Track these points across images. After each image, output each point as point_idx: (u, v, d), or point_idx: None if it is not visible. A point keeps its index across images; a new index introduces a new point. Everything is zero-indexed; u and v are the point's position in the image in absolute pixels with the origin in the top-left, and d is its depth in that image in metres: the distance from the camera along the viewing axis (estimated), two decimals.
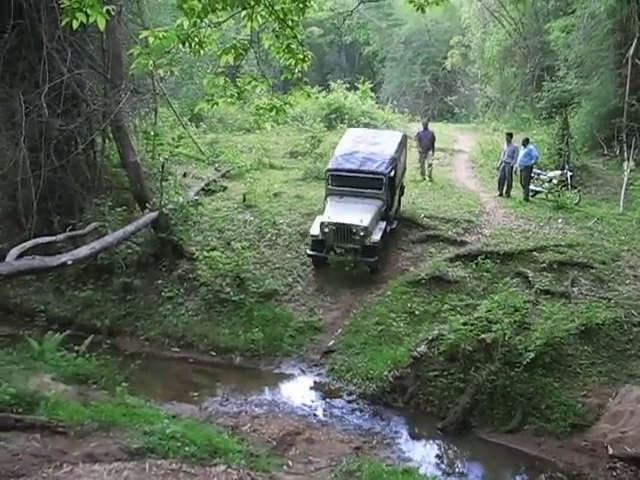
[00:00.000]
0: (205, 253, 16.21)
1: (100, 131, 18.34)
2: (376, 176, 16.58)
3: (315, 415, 11.86)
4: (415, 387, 12.35)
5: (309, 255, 16.43)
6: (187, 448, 8.13)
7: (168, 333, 14.87)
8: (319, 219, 16.29)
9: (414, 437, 11.76)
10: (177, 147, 18.91)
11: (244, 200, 19.38)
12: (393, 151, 17.50)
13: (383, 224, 16.31)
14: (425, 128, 22.67)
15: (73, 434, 8.15)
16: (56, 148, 16.93)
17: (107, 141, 19.04)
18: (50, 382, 10.27)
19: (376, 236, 15.78)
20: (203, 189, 20.08)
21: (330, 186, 16.99)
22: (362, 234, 15.50)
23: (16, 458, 7.12)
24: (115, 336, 14.84)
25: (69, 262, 11.82)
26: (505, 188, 20.78)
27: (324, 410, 12.13)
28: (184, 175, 21.00)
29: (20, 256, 11.04)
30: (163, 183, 17.07)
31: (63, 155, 17.12)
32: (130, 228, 15.07)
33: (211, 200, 19.55)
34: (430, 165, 22.49)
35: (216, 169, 22.62)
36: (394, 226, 17.42)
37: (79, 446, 7.87)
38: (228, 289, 15.39)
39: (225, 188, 20.77)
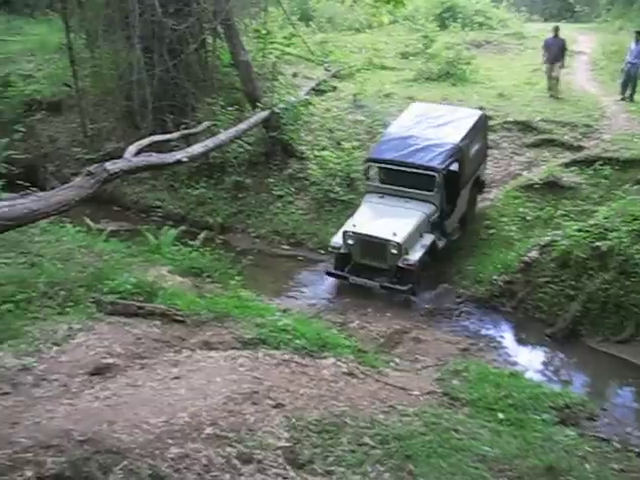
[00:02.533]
0: (315, 152, 16.25)
1: (211, 30, 18.37)
2: (427, 172, 12.36)
3: (422, 315, 11.93)
4: (524, 292, 12.15)
5: (329, 274, 12.61)
6: (297, 341, 8.35)
7: (278, 231, 15.19)
8: (345, 226, 12.54)
9: (521, 342, 11.67)
10: (288, 46, 18.72)
11: (354, 100, 19.12)
12: (459, 138, 13.03)
13: (429, 238, 12.27)
14: (555, 35, 19.89)
15: (190, 323, 8.52)
16: (169, 48, 17.12)
17: (218, 40, 19.10)
18: (167, 274, 10.72)
19: (413, 256, 11.79)
20: (313, 89, 19.88)
21: (369, 181, 13.37)
22: (394, 252, 11.68)
23: (139, 342, 7.53)
24: (227, 233, 15.31)
25: (184, 159, 12.06)
26: (629, 91, 19.35)
27: (431, 310, 12.17)
28: (294, 75, 20.83)
29: (137, 153, 11.34)
30: (274, 82, 17.00)
31: (175, 55, 17.28)
32: (242, 127, 15.20)
33: (321, 100, 19.38)
34: (556, 78, 19.77)
35: (326, 69, 22.30)
36: (453, 238, 13.30)
37: (196, 334, 8.23)
38: (338, 188, 15.45)
39: (335, 88, 20.51)
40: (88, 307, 8.23)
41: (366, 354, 9.03)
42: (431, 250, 12.26)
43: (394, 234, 11.66)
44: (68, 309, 8.36)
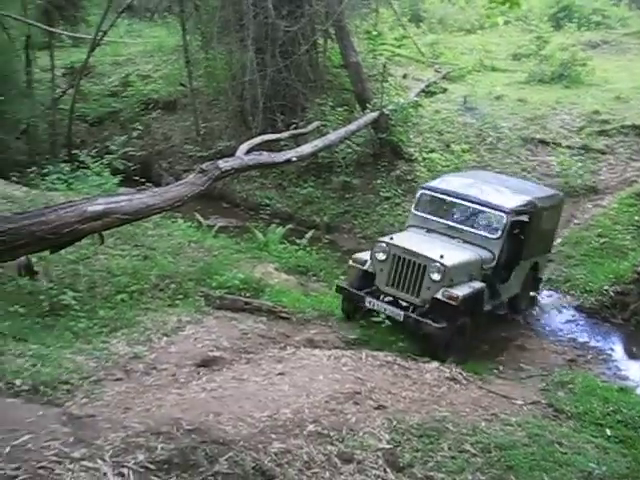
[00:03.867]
0: (424, 155, 16.12)
1: (322, 32, 18.55)
2: (494, 211, 9.93)
3: (528, 323, 11.61)
4: (638, 304, 11.62)
5: (339, 290, 9.64)
6: (401, 343, 8.32)
7: (384, 232, 15.14)
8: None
9: (632, 356, 11.13)
10: (398, 47, 18.65)
11: (465, 102, 18.85)
12: (539, 196, 10.90)
13: (479, 285, 9.43)
14: None
15: (295, 320, 8.65)
16: (281, 49, 17.38)
17: (329, 41, 19.26)
18: (273, 271, 10.91)
19: (458, 290, 8.85)
20: (423, 90, 19.72)
21: (416, 210, 10.51)
22: (435, 278, 8.84)
23: (246, 337, 7.71)
24: (333, 232, 15.38)
25: (293, 159, 12.24)
26: None
27: (537, 319, 11.83)
28: (404, 76, 20.73)
29: (248, 152, 11.58)
30: (384, 84, 16.98)
31: (287, 56, 17.53)
32: (351, 127, 15.24)
33: (431, 102, 19.20)
34: None
35: (436, 70, 22.10)
36: (497, 303, 10.25)
37: (300, 332, 8.34)
38: None
39: (445, 90, 20.28)
40: (197, 301, 8.47)
41: (469, 360, 8.90)
42: (477, 301, 9.40)
43: (441, 256, 8.88)
44: (178, 302, 8.65)
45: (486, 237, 9.85)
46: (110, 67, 22.47)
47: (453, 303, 8.64)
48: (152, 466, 3.63)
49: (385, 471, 5.21)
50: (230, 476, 4.02)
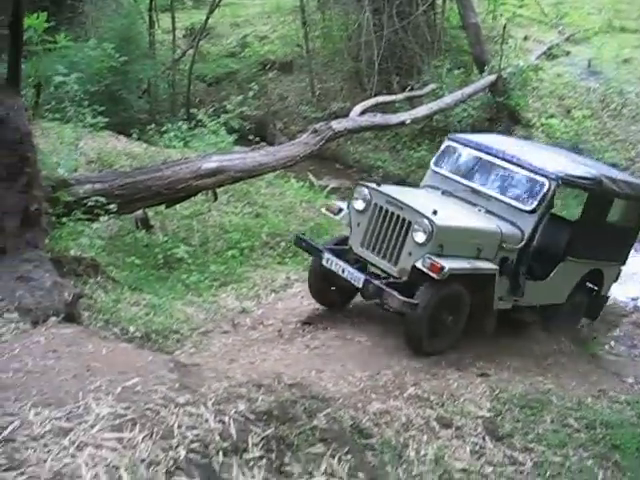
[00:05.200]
0: (542, 120, 15.60)
1: None
2: (535, 175, 7.23)
3: None
4: None
5: (297, 241, 7.51)
6: None
7: None
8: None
9: None
10: (519, 8, 17.96)
11: (589, 66, 18.01)
12: (612, 176, 8.06)
13: (486, 266, 6.79)
14: None
15: None
16: (398, 10, 17.14)
17: (447, 2, 18.80)
18: None
19: (447, 262, 6.27)
20: (544, 53, 18.96)
21: (436, 166, 8.05)
22: (419, 241, 6.42)
23: None
24: None
25: (407, 121, 12.14)
26: None
27: None
28: (525, 38, 19.97)
29: (362, 113, 11.56)
30: (503, 46, 16.44)
31: (404, 17, 17.28)
32: (468, 90, 14.91)
33: (552, 65, 18.45)
34: None
35: (559, 32, 21.15)
36: (521, 303, 7.41)
37: None
38: None
39: (568, 53, 19.41)
40: (305, 259, 8.58)
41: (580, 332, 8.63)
42: (481, 288, 6.77)
43: (434, 212, 6.48)
44: (287, 260, 8.80)
45: (516, 208, 7.15)
46: (229, 28, 22.80)
47: (434, 275, 6.14)
48: (252, 416, 3.74)
49: (484, 439, 5.17)
50: (327, 432, 4.08)
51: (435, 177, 7.91)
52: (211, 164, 7.92)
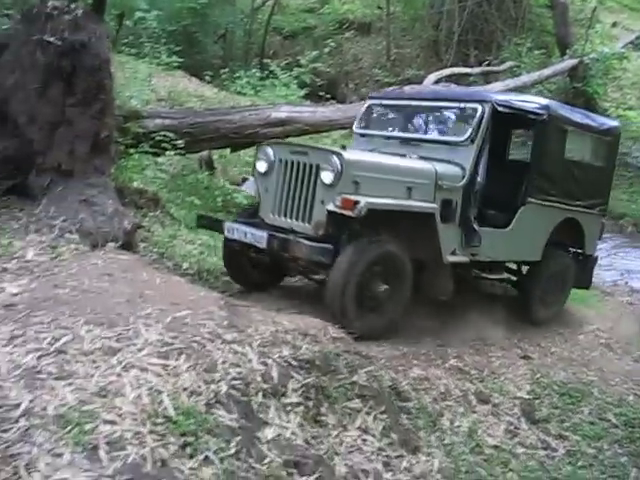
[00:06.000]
0: (620, 111, 15.14)
1: None
2: (468, 104, 6.40)
3: None
4: None
5: (198, 220, 6.53)
6: None
7: None
8: None
9: None
10: None
11: None
12: (568, 109, 7.43)
13: (423, 205, 5.76)
14: None
15: None
16: None
17: None
18: None
19: (373, 199, 5.32)
20: (632, 42, 18.35)
21: (358, 128, 7.17)
22: (327, 180, 5.44)
23: None
24: None
25: None
26: None
27: None
28: (613, 24, 19.38)
29: (436, 82, 11.40)
30: (589, 30, 15.96)
31: None
32: (547, 72, 14.57)
33: (638, 56, 17.85)
34: None
35: None
36: (480, 255, 6.33)
37: None
38: (637, 154, 14.33)
39: None
40: None
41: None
42: (419, 234, 5.77)
43: (342, 147, 6.33)
44: None
45: (450, 143, 6.29)
46: None
47: (348, 213, 5.16)
48: (294, 363, 3.78)
49: (519, 420, 5.15)
50: (366, 389, 4.11)
51: (359, 140, 7.02)
52: (280, 114, 7.93)
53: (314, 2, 21.33)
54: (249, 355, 3.61)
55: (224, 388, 3.32)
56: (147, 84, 9.57)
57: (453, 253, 6.00)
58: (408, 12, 19.31)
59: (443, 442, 4.47)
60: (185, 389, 3.19)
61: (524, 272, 7.27)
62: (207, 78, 12.65)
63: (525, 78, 13.97)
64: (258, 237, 5.50)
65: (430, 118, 6.85)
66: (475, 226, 6.12)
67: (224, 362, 3.47)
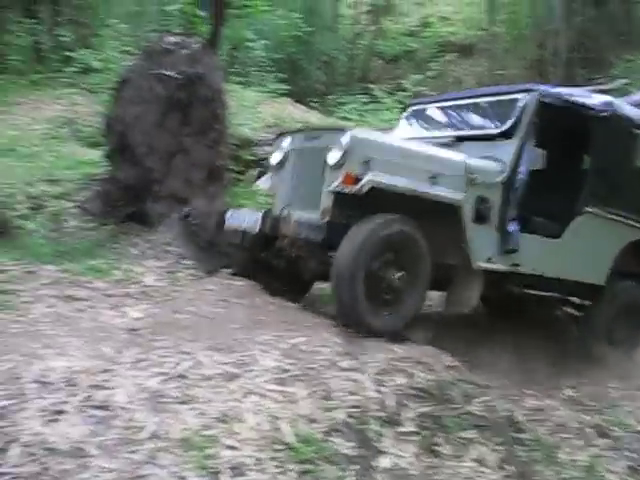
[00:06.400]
0: None
1: None
2: (511, 95, 5.69)
3: None
4: None
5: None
6: None
7: None
8: None
9: None
10: None
11: None
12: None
13: (446, 191, 4.87)
14: None
15: None
16: None
17: None
18: None
19: (382, 177, 4.58)
20: None
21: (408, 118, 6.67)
22: (333, 160, 4.70)
23: None
24: None
25: None
26: None
27: None
28: None
29: None
30: None
31: (599, 4, 16.43)
32: None
33: None
34: None
35: None
36: (516, 262, 5.36)
37: None
38: None
39: None
40: None
41: None
42: (439, 224, 4.91)
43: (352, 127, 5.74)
44: None
45: (489, 137, 5.56)
46: (411, 7, 22.65)
47: (348, 189, 4.54)
48: (410, 391, 3.76)
49: None
50: (482, 419, 4.03)
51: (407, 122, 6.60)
52: None
53: (415, 26, 21.34)
54: (365, 383, 3.62)
55: (341, 416, 3.34)
56: (255, 112, 9.80)
57: (489, 260, 5.17)
58: (511, 32, 19.03)
59: (561, 477, 4.31)
60: (303, 416, 3.23)
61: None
62: (312, 104, 12.86)
63: (637, 97, 13.47)
64: (253, 221, 5.03)
65: (470, 116, 6.14)
66: (512, 229, 5.26)
67: (340, 390, 3.49)
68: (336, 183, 4.57)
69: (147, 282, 4.87)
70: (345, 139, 4.64)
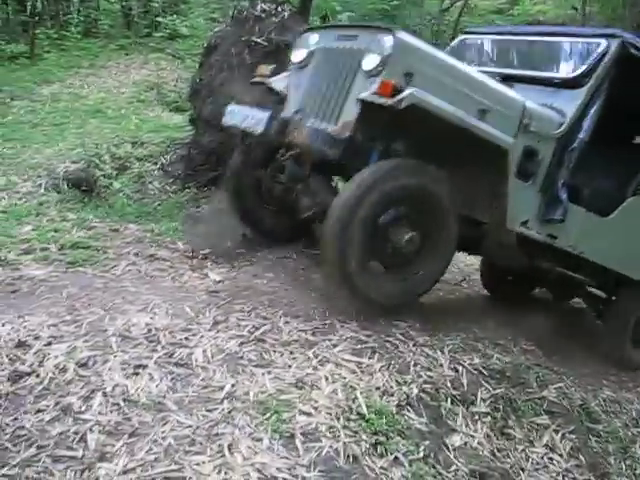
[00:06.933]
0: None
1: None
2: (586, 39, 4.71)
3: None
4: None
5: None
6: None
7: None
8: None
9: None
10: None
11: None
12: None
13: (495, 130, 4.02)
14: None
15: None
16: None
17: None
18: None
19: (427, 95, 3.73)
20: None
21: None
22: (369, 66, 3.92)
23: None
24: None
25: None
26: None
27: None
28: None
29: None
30: None
31: None
32: None
33: None
34: None
35: None
36: (554, 233, 4.53)
37: None
38: None
39: None
40: None
41: None
42: (474, 171, 4.22)
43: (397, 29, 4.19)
44: None
45: (554, 81, 4.71)
46: None
47: (384, 101, 3.69)
48: (485, 372, 3.73)
49: None
50: (555, 405, 3.98)
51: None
52: None
53: (504, 3, 20.80)
54: (440, 360, 3.61)
55: (415, 391, 3.34)
56: None
57: (525, 224, 4.37)
58: (605, 12, 18.36)
59: (635, 471, 4.22)
60: (378, 388, 3.24)
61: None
62: None
63: None
64: (258, 119, 4.16)
65: (534, 55, 5.13)
66: (562, 195, 4.41)
67: (416, 365, 3.49)
68: (370, 92, 3.75)
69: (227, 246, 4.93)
70: (388, 41, 3.80)
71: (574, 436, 3.95)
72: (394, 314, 3.86)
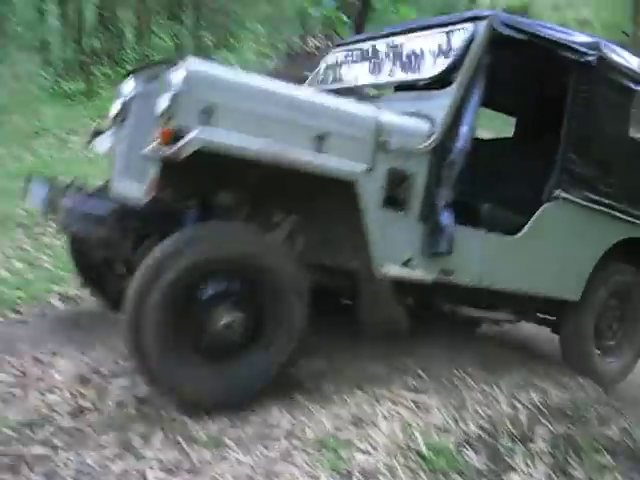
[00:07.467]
0: None
1: None
2: (452, 27, 3.82)
3: None
4: None
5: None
6: None
7: None
8: None
9: None
10: None
11: None
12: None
13: (333, 161, 3.20)
14: None
15: None
16: None
17: None
18: None
19: (225, 135, 2.95)
20: None
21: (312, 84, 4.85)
22: (163, 106, 3.00)
23: None
24: None
25: None
26: None
27: None
28: None
29: None
30: None
31: None
32: None
33: None
34: None
35: None
36: (447, 268, 3.64)
37: None
38: None
39: None
40: None
41: None
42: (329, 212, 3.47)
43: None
44: None
45: (417, 83, 4.03)
46: (548, 10, 22.01)
47: (163, 152, 2.91)
48: (544, 409, 3.67)
49: None
50: (618, 444, 3.87)
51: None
52: None
53: None
54: (498, 397, 3.57)
55: (473, 429, 3.30)
56: None
57: (406, 264, 3.52)
58: None
59: None
60: (436, 426, 3.22)
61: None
62: None
63: None
64: (39, 198, 3.64)
65: (402, 57, 4.16)
66: (444, 220, 3.55)
67: (473, 402, 3.46)
68: (153, 144, 2.97)
69: None
70: (178, 76, 3.02)
71: (637, 476, 3.85)
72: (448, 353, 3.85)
